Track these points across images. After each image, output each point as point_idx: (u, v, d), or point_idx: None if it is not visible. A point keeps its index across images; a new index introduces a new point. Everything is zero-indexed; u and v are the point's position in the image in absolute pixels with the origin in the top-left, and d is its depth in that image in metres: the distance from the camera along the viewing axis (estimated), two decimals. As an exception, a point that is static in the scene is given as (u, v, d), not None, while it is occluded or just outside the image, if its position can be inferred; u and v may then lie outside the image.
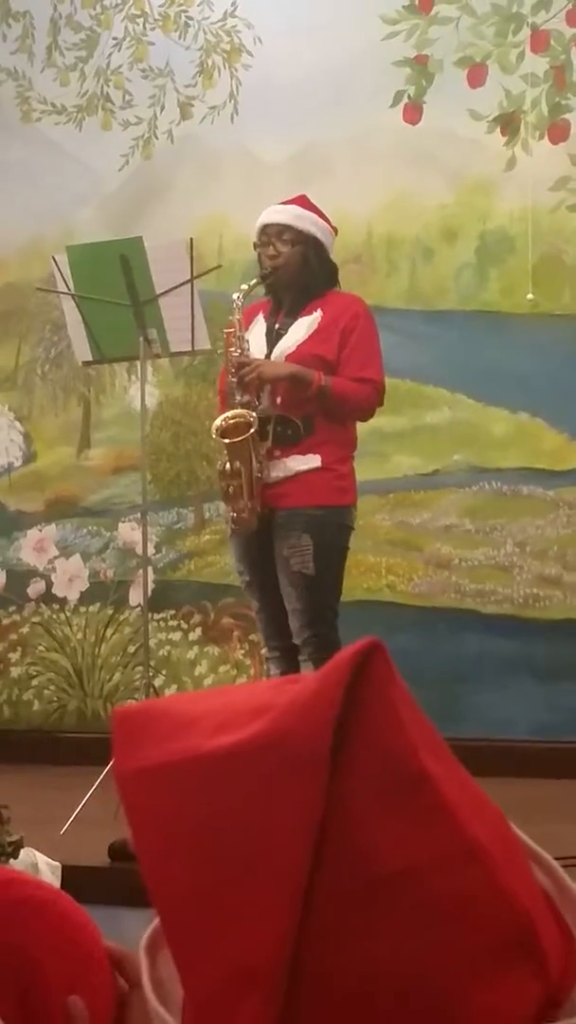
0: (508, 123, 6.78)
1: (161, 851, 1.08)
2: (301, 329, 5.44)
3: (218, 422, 5.37)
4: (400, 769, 1.01)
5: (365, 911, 1.00)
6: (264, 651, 5.75)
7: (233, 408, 5.35)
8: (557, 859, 1.15)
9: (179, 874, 1.06)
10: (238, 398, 5.35)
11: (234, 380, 5.36)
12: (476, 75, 6.84)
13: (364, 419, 5.56)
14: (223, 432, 5.32)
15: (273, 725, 1.02)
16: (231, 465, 5.31)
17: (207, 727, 1.07)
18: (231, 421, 5.32)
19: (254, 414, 5.31)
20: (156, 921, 1.14)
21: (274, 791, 1.01)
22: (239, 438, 5.28)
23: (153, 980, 1.14)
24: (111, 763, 1.11)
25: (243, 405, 5.34)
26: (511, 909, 1.00)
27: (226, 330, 5.45)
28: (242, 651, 7.15)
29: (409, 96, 6.95)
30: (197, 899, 1.05)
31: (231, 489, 5.33)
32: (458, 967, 0.99)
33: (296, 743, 1.01)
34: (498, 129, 6.80)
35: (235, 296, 5.42)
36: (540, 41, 6.75)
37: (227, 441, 5.30)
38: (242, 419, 5.31)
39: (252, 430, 5.27)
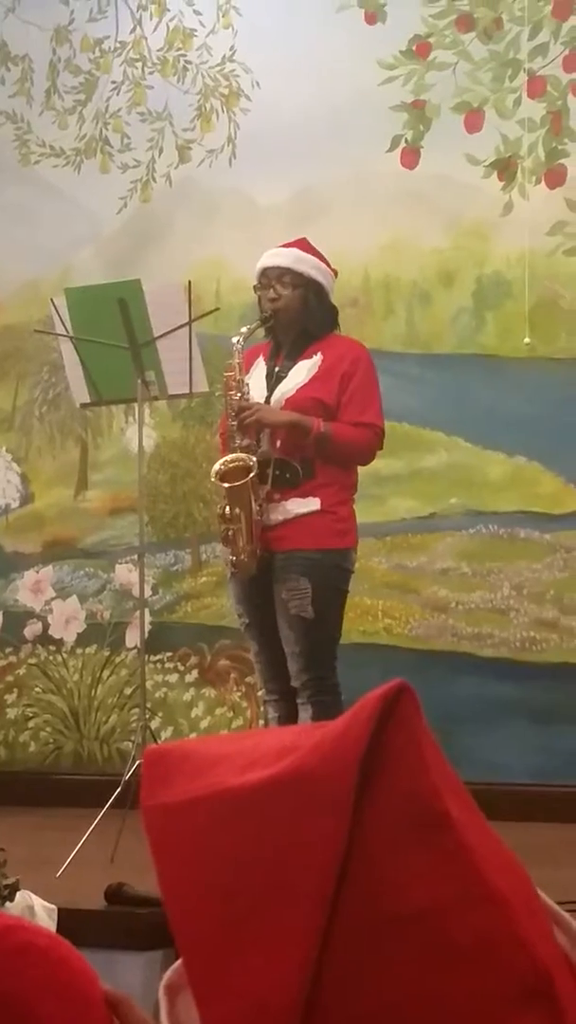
0: (505, 168, 6.80)
1: (184, 885, 1.08)
2: (301, 372, 5.44)
3: (217, 466, 5.36)
4: (423, 810, 1.01)
5: (383, 949, 1.00)
6: (262, 694, 5.73)
7: (233, 451, 5.35)
8: (558, 904, 1.15)
9: (201, 908, 1.06)
10: (238, 441, 5.35)
11: (234, 423, 5.36)
12: (473, 120, 6.87)
13: (364, 463, 5.55)
14: (222, 476, 5.32)
15: (299, 763, 1.03)
16: (230, 509, 5.30)
17: (235, 766, 1.07)
18: (230, 465, 5.31)
19: (253, 458, 5.30)
20: (177, 963, 1.15)
21: (298, 827, 1.02)
22: (238, 482, 5.28)
23: (172, 1021, 1.14)
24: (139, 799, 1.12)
25: (243, 448, 5.34)
26: (528, 957, 1.00)
27: (226, 373, 5.46)
28: (239, 693, 7.13)
29: (407, 140, 6.98)
30: (218, 933, 1.05)
31: (230, 533, 5.32)
32: (473, 1011, 0.99)
33: (321, 780, 1.01)
34: (495, 174, 6.82)
35: (235, 339, 5.42)
36: (537, 86, 6.78)
37: (227, 485, 5.30)
38: (241, 463, 5.30)
39: (252, 474, 5.27)
